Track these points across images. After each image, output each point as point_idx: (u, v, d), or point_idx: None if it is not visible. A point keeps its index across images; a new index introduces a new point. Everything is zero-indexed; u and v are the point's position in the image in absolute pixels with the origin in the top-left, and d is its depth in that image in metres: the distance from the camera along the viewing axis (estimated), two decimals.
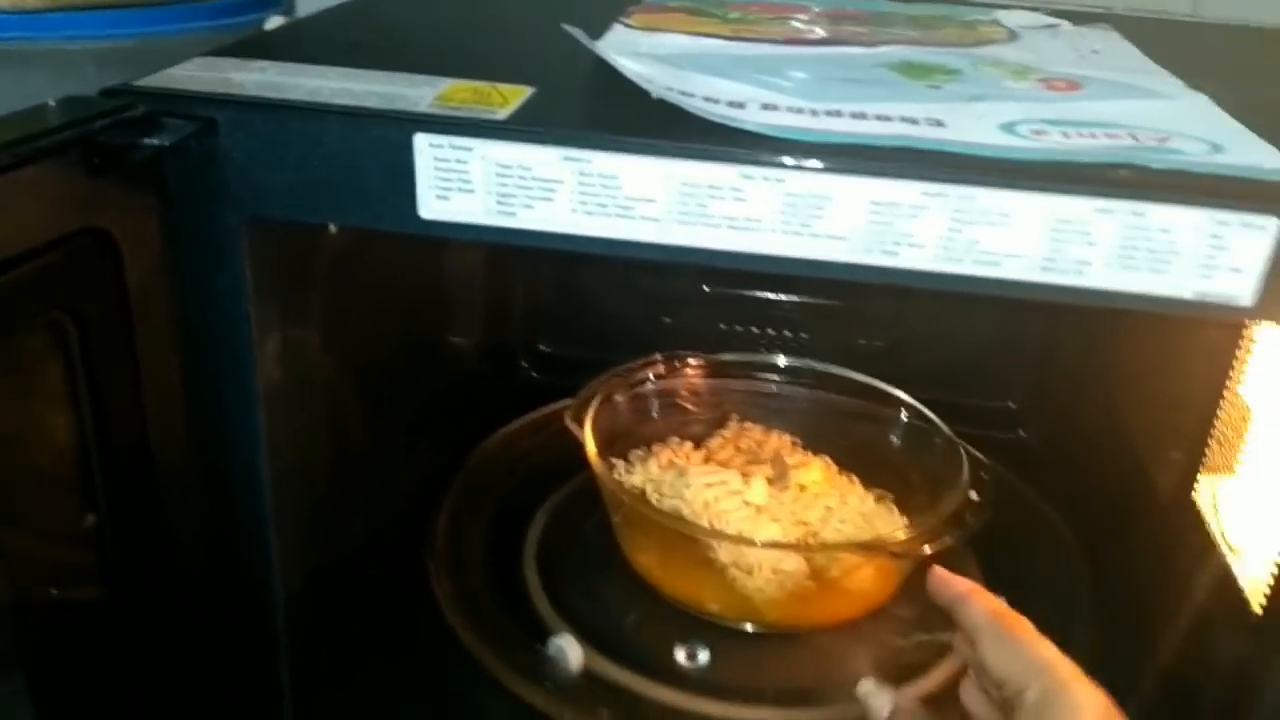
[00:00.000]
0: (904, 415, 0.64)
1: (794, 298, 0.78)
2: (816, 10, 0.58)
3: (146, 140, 0.36)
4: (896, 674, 0.54)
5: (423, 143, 0.37)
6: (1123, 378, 0.66)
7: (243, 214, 0.38)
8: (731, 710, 0.52)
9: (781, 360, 0.70)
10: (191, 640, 0.43)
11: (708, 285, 0.79)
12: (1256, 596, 0.45)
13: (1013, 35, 0.55)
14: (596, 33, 0.47)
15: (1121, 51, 0.53)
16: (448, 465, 0.67)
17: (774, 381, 0.70)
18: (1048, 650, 0.40)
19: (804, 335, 0.79)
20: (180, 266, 0.38)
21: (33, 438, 0.36)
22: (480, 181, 0.37)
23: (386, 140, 0.37)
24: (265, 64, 0.41)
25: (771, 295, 0.79)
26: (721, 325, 0.80)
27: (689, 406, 0.69)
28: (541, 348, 0.83)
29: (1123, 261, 0.35)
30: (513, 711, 0.51)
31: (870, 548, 0.55)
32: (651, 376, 0.68)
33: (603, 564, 0.60)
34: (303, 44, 0.46)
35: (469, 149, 0.37)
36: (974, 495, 0.55)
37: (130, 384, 0.37)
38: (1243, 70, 0.54)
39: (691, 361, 0.69)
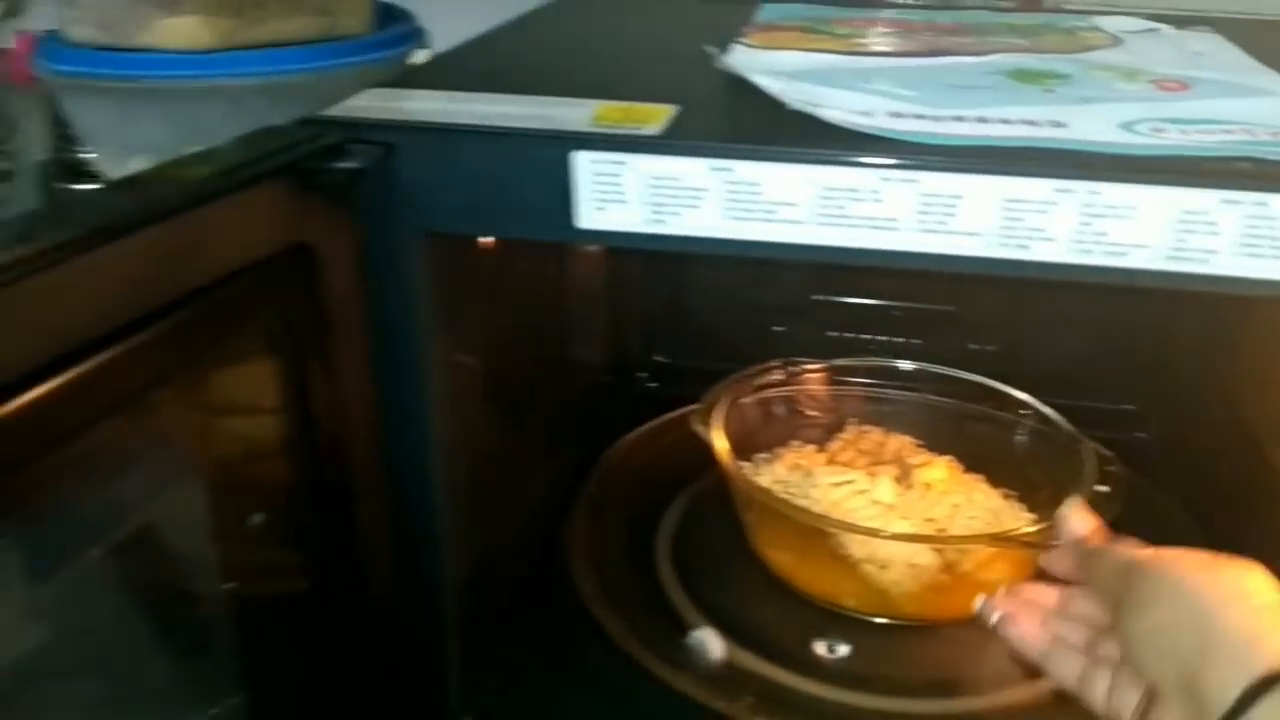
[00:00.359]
0: (1022, 414, 0.66)
1: (904, 303, 0.80)
2: (920, 23, 0.61)
3: (339, 164, 0.40)
4: (1032, 668, 0.56)
5: (582, 159, 0.40)
6: (1243, 371, 0.67)
7: (418, 229, 0.42)
8: (874, 701, 0.54)
9: (896, 364, 0.72)
10: (371, 621, 0.47)
11: (816, 294, 0.82)
12: None
13: (1116, 40, 0.57)
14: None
15: (1225, 52, 0.55)
16: (578, 471, 0.71)
17: (889, 386, 0.72)
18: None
19: (915, 341, 0.80)
20: (369, 276, 0.42)
21: (249, 433, 0.41)
22: (634, 193, 0.41)
23: (548, 158, 0.40)
24: (430, 93, 0.46)
25: (881, 302, 0.81)
26: (831, 333, 0.82)
27: (807, 411, 0.72)
28: (658, 359, 0.86)
29: (1248, 249, 0.37)
30: (658, 696, 0.54)
31: (1005, 539, 0.57)
32: (770, 382, 0.70)
33: (734, 561, 0.63)
34: (457, 74, 0.51)
35: (623, 163, 0.40)
36: (1103, 488, 0.56)
37: (329, 382, 0.41)
38: None
39: (808, 367, 0.72)
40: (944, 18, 0.63)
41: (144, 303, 0.33)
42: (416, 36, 0.62)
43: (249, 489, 0.43)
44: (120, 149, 0.59)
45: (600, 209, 0.41)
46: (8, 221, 0.35)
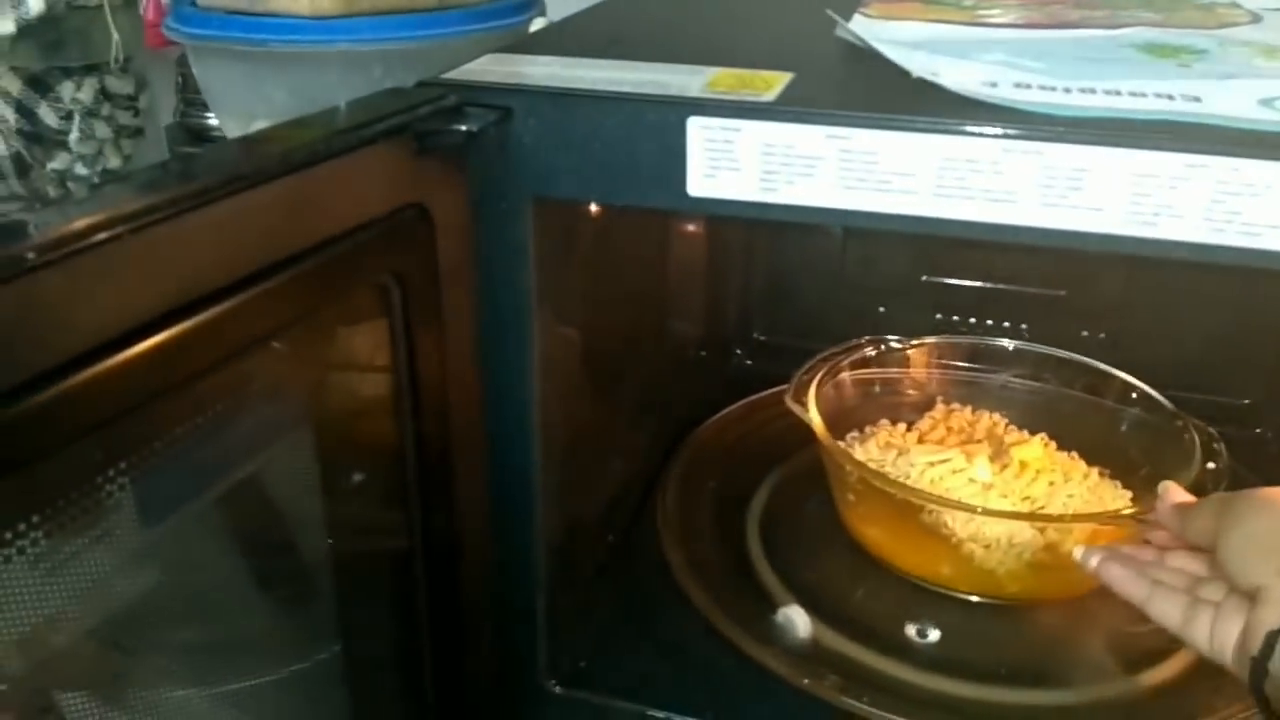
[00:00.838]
0: (1120, 393, 0.64)
1: (1014, 287, 0.78)
2: None
3: (456, 126, 0.40)
4: (1128, 659, 0.55)
5: (695, 125, 0.40)
6: None
7: (531, 192, 0.43)
8: (962, 688, 0.53)
9: (988, 342, 0.71)
10: (466, 580, 0.48)
11: (924, 275, 0.80)
12: None
13: (1255, 17, 0.54)
14: (831, 22, 0.50)
15: None
16: (671, 444, 0.71)
17: (982, 365, 0.71)
18: None
19: (1023, 326, 0.79)
20: (479, 239, 0.43)
21: (359, 389, 0.41)
22: (746, 160, 0.40)
23: (662, 124, 0.40)
24: (546, 59, 0.46)
25: (990, 285, 0.79)
26: (938, 315, 0.81)
27: (899, 390, 0.71)
28: (756, 336, 0.86)
29: None
30: (741, 670, 0.54)
31: (1113, 517, 0.56)
32: (862, 360, 0.69)
33: (825, 539, 0.63)
34: (571, 41, 0.51)
35: (737, 130, 0.40)
36: (1210, 465, 0.55)
37: (437, 342, 0.41)
38: None
39: (900, 344, 0.71)
40: None
41: (267, 255, 0.34)
42: (533, 5, 0.62)
43: (356, 444, 0.44)
44: (243, 113, 0.60)
45: (711, 176, 0.41)
46: (139, 173, 0.36)
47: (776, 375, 0.70)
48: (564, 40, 0.51)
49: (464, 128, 0.41)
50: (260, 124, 0.61)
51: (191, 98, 0.69)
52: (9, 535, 0.29)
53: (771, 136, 0.40)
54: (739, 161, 0.40)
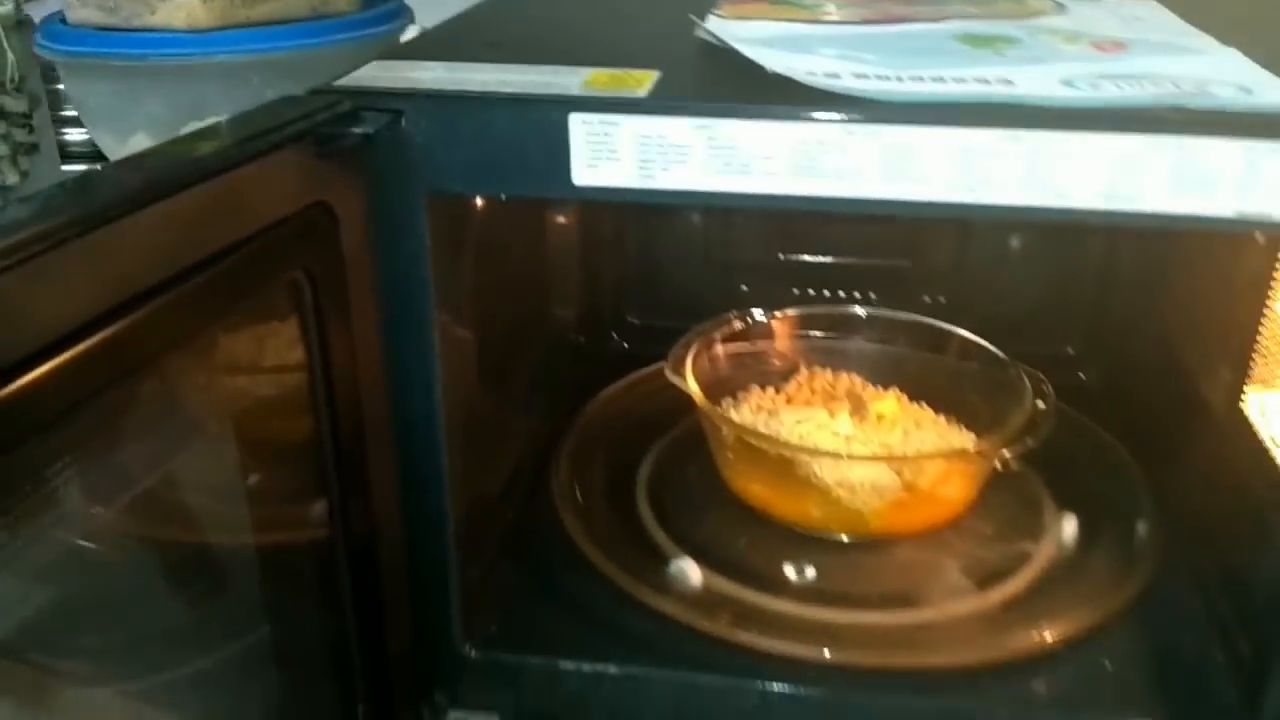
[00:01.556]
0: (958, 348, 0.72)
1: (862, 260, 0.85)
2: None
3: (352, 130, 0.43)
4: (980, 579, 0.61)
5: (577, 121, 0.44)
6: (1173, 311, 0.73)
7: (425, 188, 0.46)
8: (838, 615, 0.59)
9: (846, 310, 0.78)
10: (384, 560, 0.51)
11: (781, 253, 0.86)
12: None
13: (1060, 7, 0.62)
14: (688, 24, 0.55)
15: (1160, 17, 0.60)
16: (559, 424, 0.75)
17: (839, 331, 0.77)
18: None
19: (871, 294, 0.85)
20: (378, 235, 0.46)
21: (278, 383, 0.44)
22: (625, 151, 0.44)
23: (546, 120, 0.44)
24: (431, 64, 0.49)
25: (841, 259, 0.86)
26: (795, 290, 0.87)
27: (766, 358, 0.77)
28: (630, 319, 0.90)
29: (1174, 188, 0.42)
30: (642, 619, 0.58)
31: (957, 453, 0.62)
32: (731, 333, 0.75)
33: (708, 498, 0.68)
34: (450, 46, 0.54)
35: (615, 124, 0.44)
36: (1040, 404, 0.62)
37: (345, 335, 0.44)
38: (1267, 26, 0.61)
39: (760, 318, 0.77)
40: None
41: (192, 255, 0.36)
42: (404, 13, 0.65)
43: (275, 438, 0.46)
44: (121, 127, 0.61)
45: (593, 166, 0.45)
46: (46, 192, 0.38)
47: (651, 355, 0.75)
48: (443, 46, 0.54)
49: (360, 130, 0.44)
50: (140, 137, 0.62)
51: (59, 115, 0.70)
52: None
53: (646, 129, 0.44)
54: (618, 152, 0.45)
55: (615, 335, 0.90)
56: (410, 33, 0.62)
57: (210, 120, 0.62)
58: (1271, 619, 0.52)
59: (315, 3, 0.61)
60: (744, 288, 0.88)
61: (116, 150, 0.62)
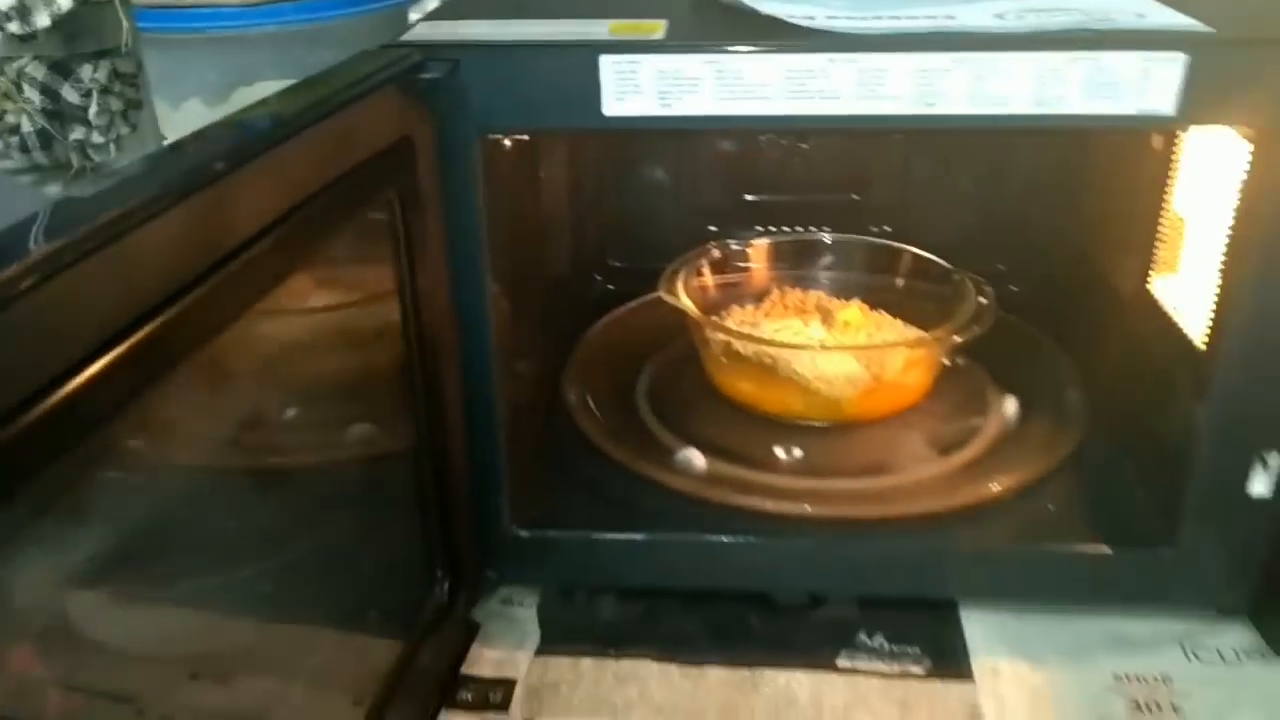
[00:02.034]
0: (909, 263, 0.83)
1: (818, 197, 0.96)
2: None
3: (423, 76, 0.52)
4: (941, 448, 0.73)
5: (606, 61, 0.54)
6: (1086, 220, 0.85)
7: (478, 127, 0.55)
8: (825, 483, 0.70)
9: (812, 236, 0.89)
10: (452, 459, 0.60)
11: (746, 194, 0.97)
12: (1200, 341, 0.63)
13: None
14: None
15: None
16: (561, 351, 0.85)
17: (803, 256, 0.89)
18: None
19: (827, 228, 0.96)
20: (443, 166, 0.55)
21: (375, 309, 0.53)
22: (646, 85, 0.54)
23: (580, 62, 0.54)
24: (475, 22, 0.58)
25: (799, 197, 0.96)
26: (758, 228, 0.97)
27: (742, 282, 0.88)
28: (611, 262, 1.00)
29: (1088, 93, 0.53)
30: (655, 497, 0.68)
31: (917, 343, 0.73)
32: (713, 260, 0.85)
33: (702, 401, 0.78)
34: (480, 6, 0.63)
35: (638, 62, 0.54)
36: (982, 300, 0.74)
37: (424, 256, 0.53)
38: None
39: (736, 247, 0.87)
40: None
41: (320, 180, 0.45)
42: None
43: (371, 361, 0.55)
44: (177, 95, 0.69)
45: (620, 99, 0.54)
46: (208, 130, 0.45)
47: (630, 294, 0.87)
48: (477, 6, 0.63)
49: (428, 76, 0.53)
50: (193, 102, 0.70)
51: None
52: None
53: (664, 65, 0.54)
54: (641, 86, 0.54)
55: (599, 277, 1.00)
56: (434, 3, 0.70)
57: (260, 84, 0.70)
58: (1180, 460, 0.63)
59: None
60: (712, 228, 0.98)
61: (170, 117, 0.70)
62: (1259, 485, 0.60)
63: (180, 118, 0.71)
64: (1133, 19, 0.55)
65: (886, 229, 0.96)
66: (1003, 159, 0.94)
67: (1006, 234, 0.95)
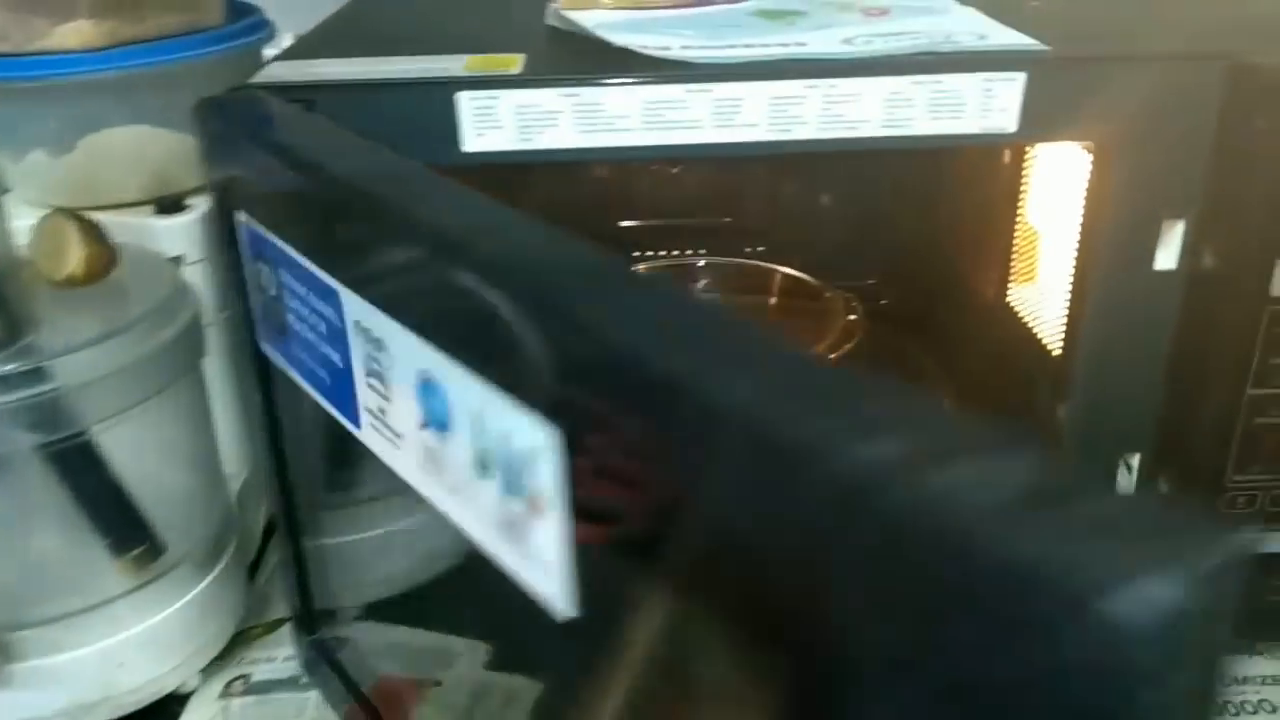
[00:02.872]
0: (782, 282, 0.85)
1: (692, 221, 0.97)
2: None
3: None
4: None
5: (464, 98, 0.53)
6: (949, 234, 0.87)
7: None
8: None
9: (682, 261, 0.90)
10: None
11: (621, 220, 0.97)
12: (1055, 348, 0.66)
13: None
14: (535, 14, 0.65)
15: None
16: None
17: (681, 281, 0.89)
18: None
19: (702, 251, 0.97)
20: None
21: None
22: (506, 119, 0.54)
23: (438, 99, 0.53)
24: (328, 61, 0.57)
25: (674, 222, 0.97)
26: (635, 253, 0.98)
27: None
28: None
29: (933, 114, 0.54)
30: None
31: None
32: None
33: None
34: (336, 44, 0.62)
35: (497, 97, 0.54)
36: (852, 317, 0.75)
37: None
38: None
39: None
40: None
41: None
42: (268, 25, 0.72)
43: None
44: (17, 145, 0.66)
45: (480, 135, 0.54)
46: None
47: None
48: (332, 44, 0.62)
49: None
50: (37, 154, 0.68)
51: None
52: None
53: (522, 100, 0.54)
54: (500, 122, 0.54)
55: None
56: (288, 40, 0.69)
57: (108, 131, 0.68)
58: None
59: (189, 19, 0.67)
60: None
61: (9, 170, 0.67)
62: (1122, 487, 0.63)
63: (22, 170, 0.68)
64: (975, 40, 0.57)
65: (760, 249, 0.98)
66: (868, 177, 0.96)
67: (876, 249, 0.98)
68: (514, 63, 0.56)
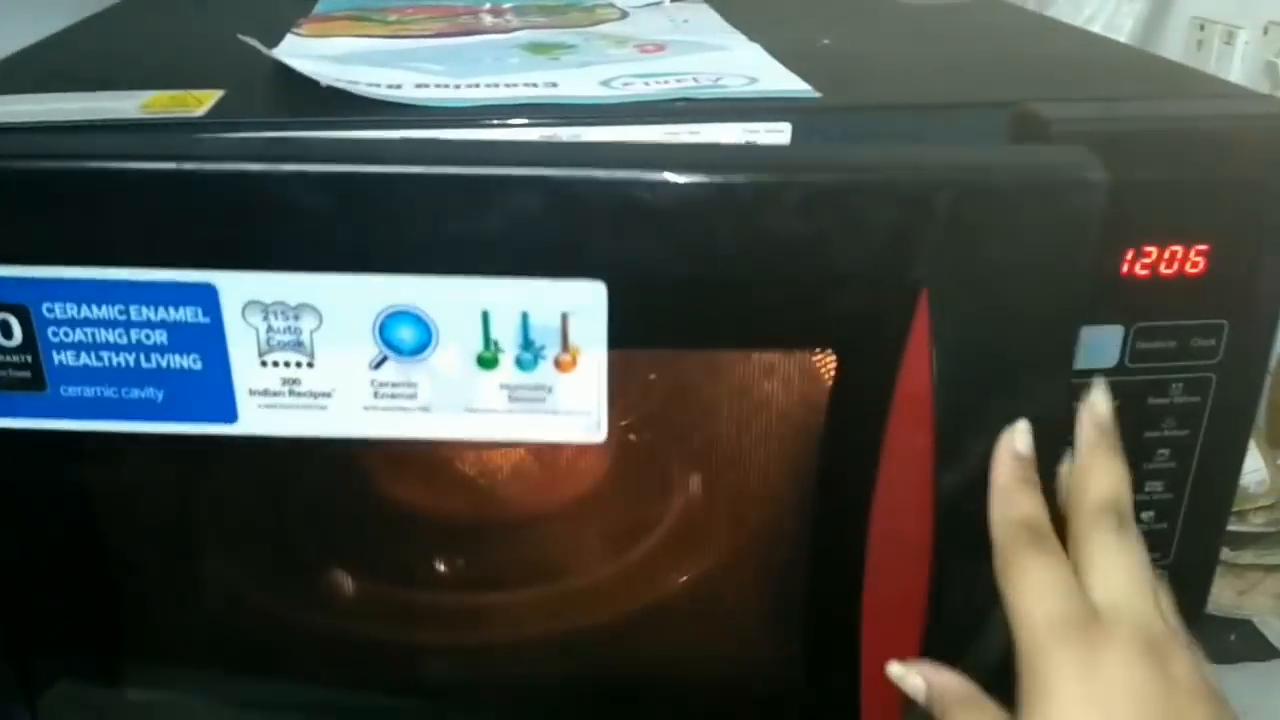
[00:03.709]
0: None
1: None
2: (463, 9, 0.69)
3: None
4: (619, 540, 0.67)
5: None
6: None
7: None
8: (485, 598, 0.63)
9: None
10: None
11: None
12: None
13: (623, 14, 0.68)
14: (273, 42, 0.56)
15: (707, 20, 0.67)
16: None
17: None
18: None
19: None
20: None
21: None
22: None
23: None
24: (18, 96, 0.48)
25: None
26: None
27: None
28: None
29: None
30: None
31: None
32: None
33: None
34: (18, 79, 0.53)
35: None
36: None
37: None
38: (801, 25, 0.69)
39: None
40: (492, 3, 0.72)
41: None
42: None
43: None
44: None
45: None
46: None
47: None
48: (9, 79, 0.53)
49: None
50: None
51: None
52: None
53: None
54: None
55: None
56: None
57: None
58: None
59: None
60: None
61: None
62: None
63: None
64: (742, 84, 0.50)
65: None
66: None
67: None
68: (205, 101, 0.47)
